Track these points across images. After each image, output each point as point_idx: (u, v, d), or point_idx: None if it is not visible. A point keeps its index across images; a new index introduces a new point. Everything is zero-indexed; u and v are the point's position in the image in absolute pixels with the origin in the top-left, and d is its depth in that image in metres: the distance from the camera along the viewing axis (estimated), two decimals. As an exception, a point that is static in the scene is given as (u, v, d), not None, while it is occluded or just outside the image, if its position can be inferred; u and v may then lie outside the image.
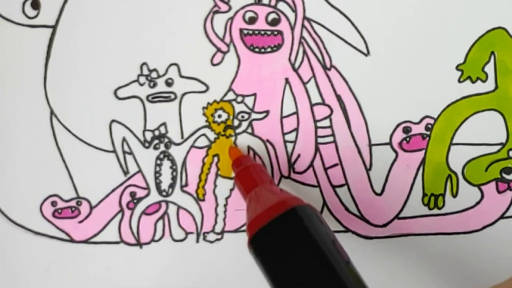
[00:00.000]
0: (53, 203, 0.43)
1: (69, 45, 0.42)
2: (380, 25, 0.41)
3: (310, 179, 0.42)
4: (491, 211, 0.42)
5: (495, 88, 0.41)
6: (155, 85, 0.42)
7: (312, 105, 0.42)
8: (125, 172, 0.43)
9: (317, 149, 0.42)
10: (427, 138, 0.42)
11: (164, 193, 0.43)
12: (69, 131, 0.42)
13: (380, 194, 0.42)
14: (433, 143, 0.42)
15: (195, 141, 0.42)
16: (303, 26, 0.41)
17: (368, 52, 0.41)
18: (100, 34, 0.42)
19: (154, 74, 0.42)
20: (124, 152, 0.42)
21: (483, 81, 0.41)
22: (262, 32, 0.41)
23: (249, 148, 0.42)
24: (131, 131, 0.42)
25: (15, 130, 0.42)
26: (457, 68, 0.41)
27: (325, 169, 0.42)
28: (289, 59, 0.42)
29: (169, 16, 0.41)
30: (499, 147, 0.42)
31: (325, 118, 0.42)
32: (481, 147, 0.42)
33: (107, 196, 0.43)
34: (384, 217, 0.42)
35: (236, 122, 0.42)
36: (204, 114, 0.42)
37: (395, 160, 0.42)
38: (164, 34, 0.41)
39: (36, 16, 0.42)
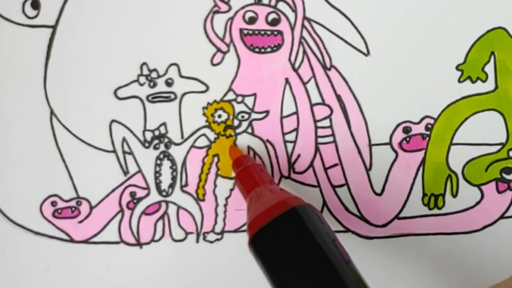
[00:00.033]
0: (53, 203, 0.43)
1: (69, 45, 0.42)
2: (380, 25, 0.41)
3: (310, 179, 0.42)
4: (491, 211, 0.42)
5: (495, 88, 0.41)
6: (155, 85, 0.42)
7: (312, 105, 0.42)
8: (125, 172, 0.43)
9: (317, 149, 0.42)
10: (427, 138, 0.42)
11: (164, 193, 0.43)
12: (69, 131, 0.42)
13: (380, 194, 0.42)
14: (433, 143, 0.42)
15: (195, 141, 0.42)
16: (303, 26, 0.41)
17: (368, 52, 0.41)
18: (100, 34, 0.42)
19: (154, 74, 0.42)
20: (124, 152, 0.42)
21: (483, 81, 0.41)
22: (262, 32, 0.41)
23: (249, 148, 0.42)
24: (131, 131, 0.42)
25: (15, 130, 0.42)
26: (457, 68, 0.41)
27: (325, 169, 0.42)
28: (289, 59, 0.42)
29: (169, 16, 0.41)
30: (499, 147, 0.42)
31: (325, 118, 0.42)
32: (481, 147, 0.42)
33: (107, 196, 0.43)
34: (384, 217, 0.42)
35: (236, 122, 0.42)
36: (204, 114, 0.42)
37: (395, 160, 0.42)
38: (164, 34, 0.41)
39: (36, 16, 0.42)
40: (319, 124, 0.42)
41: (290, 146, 0.42)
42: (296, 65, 0.42)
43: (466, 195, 0.42)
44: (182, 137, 0.42)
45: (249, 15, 0.41)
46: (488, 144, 0.42)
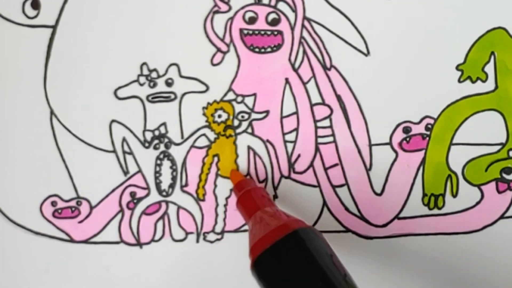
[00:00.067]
0: (53, 203, 0.43)
1: (69, 45, 0.42)
2: (380, 25, 0.41)
3: (310, 179, 0.42)
4: (491, 211, 0.42)
5: (495, 88, 0.41)
6: (155, 85, 0.42)
7: (312, 105, 0.42)
8: (125, 172, 0.43)
9: (317, 149, 0.42)
10: (427, 138, 0.42)
11: (164, 193, 0.43)
12: (69, 131, 0.42)
13: (380, 194, 0.42)
14: (433, 143, 0.42)
15: (195, 141, 0.42)
16: (303, 26, 0.41)
17: (368, 52, 0.41)
18: (100, 34, 0.42)
19: (154, 74, 0.42)
20: (124, 152, 0.42)
21: (483, 81, 0.41)
22: (262, 32, 0.41)
23: (249, 148, 0.42)
24: (131, 131, 0.42)
25: (15, 130, 0.42)
26: (457, 68, 0.41)
27: (325, 169, 0.42)
28: (289, 59, 0.42)
29: (169, 16, 0.41)
30: (499, 147, 0.42)
31: (325, 118, 0.42)
32: (481, 147, 0.42)
33: (107, 196, 0.43)
34: (384, 217, 0.42)
35: (236, 122, 0.42)
36: (204, 114, 0.42)
37: (395, 160, 0.42)
38: (164, 34, 0.41)
39: (36, 16, 0.42)
40: (319, 124, 0.42)
41: (290, 146, 0.42)
42: (296, 65, 0.42)
43: (466, 195, 0.42)
44: (182, 137, 0.42)
45: (249, 15, 0.41)
46: (488, 144, 0.42)
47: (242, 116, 0.42)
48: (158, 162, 0.42)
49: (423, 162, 0.42)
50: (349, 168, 0.42)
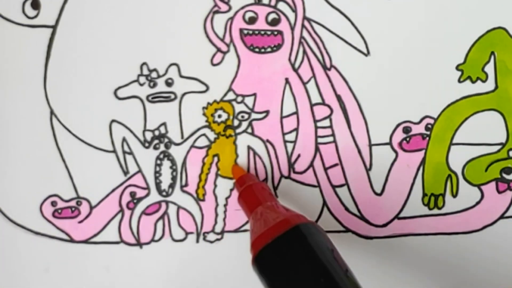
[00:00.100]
0: (53, 203, 0.43)
1: (69, 45, 0.42)
2: (380, 25, 0.41)
3: (310, 179, 0.42)
4: (491, 211, 0.42)
5: (495, 88, 0.41)
6: (155, 85, 0.42)
7: (312, 105, 0.42)
8: (125, 172, 0.43)
9: (317, 149, 0.42)
10: (427, 138, 0.42)
11: (164, 193, 0.43)
12: (69, 131, 0.42)
13: (380, 194, 0.42)
14: (433, 143, 0.42)
15: (195, 141, 0.42)
16: (303, 26, 0.41)
17: (368, 52, 0.41)
18: (100, 34, 0.42)
19: (154, 74, 0.42)
20: (124, 152, 0.42)
21: (483, 81, 0.41)
22: (262, 32, 0.41)
23: (249, 148, 0.42)
24: (131, 131, 0.42)
25: (15, 130, 0.42)
26: (457, 68, 0.41)
27: (325, 169, 0.42)
28: (289, 59, 0.42)
29: (169, 16, 0.41)
30: (499, 147, 0.42)
31: (325, 118, 0.42)
32: (481, 147, 0.42)
33: (107, 196, 0.43)
34: (384, 217, 0.42)
35: (236, 122, 0.42)
36: (204, 114, 0.42)
37: (395, 160, 0.42)
38: (164, 34, 0.41)
39: (36, 16, 0.42)
40: (319, 124, 0.42)
41: (290, 146, 0.42)
42: (296, 65, 0.42)
43: (466, 195, 0.42)
44: (182, 137, 0.42)
45: (249, 15, 0.41)
46: (488, 144, 0.42)
47: (242, 116, 0.42)
48: (158, 162, 0.42)
49: (423, 162, 0.42)
50: (349, 168, 0.42)
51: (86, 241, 0.43)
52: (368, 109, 0.42)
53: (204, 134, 0.42)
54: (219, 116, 0.42)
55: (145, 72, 0.42)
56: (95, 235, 0.43)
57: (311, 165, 0.42)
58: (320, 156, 0.42)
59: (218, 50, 0.42)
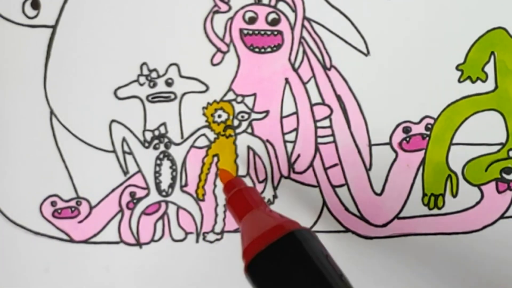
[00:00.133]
0: (53, 203, 0.43)
1: (69, 45, 0.42)
2: (380, 25, 0.41)
3: (310, 179, 0.42)
4: (491, 211, 0.42)
5: (495, 88, 0.41)
6: (155, 85, 0.42)
7: (312, 105, 0.42)
8: (125, 172, 0.43)
9: (317, 149, 0.42)
10: (427, 138, 0.42)
11: (164, 193, 0.43)
12: (69, 131, 0.42)
13: (380, 194, 0.42)
14: (433, 143, 0.42)
15: (195, 141, 0.42)
16: (303, 26, 0.41)
17: (368, 52, 0.41)
18: (100, 34, 0.42)
19: (154, 74, 0.42)
20: (124, 152, 0.42)
21: (483, 81, 0.41)
22: (262, 32, 0.41)
23: (249, 148, 0.42)
24: (131, 131, 0.42)
25: (15, 130, 0.42)
26: (457, 68, 0.41)
27: (325, 169, 0.42)
28: (289, 59, 0.42)
29: (169, 16, 0.41)
30: (499, 147, 0.42)
31: (325, 118, 0.42)
32: (481, 147, 0.42)
33: (106, 196, 0.43)
34: (384, 217, 0.42)
35: (236, 122, 0.42)
36: (204, 114, 0.42)
37: (395, 160, 0.42)
38: (164, 34, 0.42)
39: (36, 16, 0.42)
40: (319, 124, 0.42)
41: (290, 146, 0.42)
42: (296, 65, 0.42)
43: (466, 195, 0.42)
44: (182, 137, 0.42)
45: (249, 15, 0.41)
46: (488, 144, 0.42)
47: (242, 116, 0.42)
48: (158, 162, 0.42)
49: (423, 162, 0.42)
50: (349, 168, 0.42)
51: (86, 241, 0.43)
52: (368, 109, 0.42)
53: (204, 134, 0.42)
54: (219, 116, 0.42)
55: (145, 72, 0.42)
56: (95, 235, 0.43)
57: (311, 165, 0.42)
58: (320, 156, 0.42)
59: (218, 50, 0.42)
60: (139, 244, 0.43)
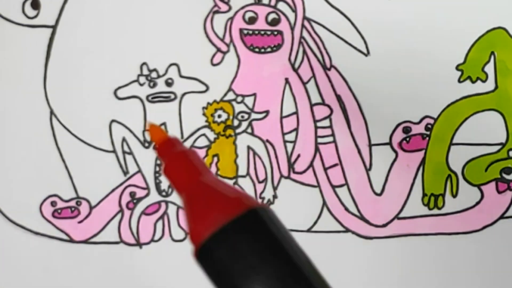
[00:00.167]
0: (53, 203, 0.43)
1: (69, 45, 0.42)
2: (380, 25, 0.41)
3: (310, 179, 0.42)
4: (491, 211, 0.42)
5: (495, 88, 0.41)
6: (155, 85, 0.42)
7: (312, 105, 0.42)
8: (125, 172, 0.43)
9: (317, 149, 0.42)
10: (427, 138, 0.42)
11: (163, 193, 0.43)
12: (69, 131, 0.42)
13: (380, 194, 0.42)
14: (433, 143, 0.42)
15: (195, 141, 0.42)
16: (303, 26, 0.41)
17: (368, 52, 0.41)
18: (100, 34, 0.42)
19: (154, 74, 0.42)
20: (124, 152, 0.42)
21: (483, 81, 0.41)
22: (262, 32, 0.41)
23: (249, 148, 0.42)
24: (131, 131, 0.42)
25: (15, 130, 0.42)
26: (457, 68, 0.41)
27: (325, 169, 0.42)
28: (289, 59, 0.42)
29: (169, 16, 0.41)
30: (499, 147, 0.42)
31: (325, 118, 0.42)
32: (481, 147, 0.42)
33: (106, 196, 0.43)
34: (384, 217, 0.42)
35: (236, 122, 0.42)
36: (204, 114, 0.42)
37: (395, 160, 0.42)
38: (164, 34, 0.41)
39: (36, 16, 0.42)
40: (319, 124, 0.42)
41: (290, 146, 0.42)
42: (296, 65, 0.42)
43: (466, 195, 0.42)
44: (182, 137, 0.42)
45: (249, 15, 0.41)
46: (488, 144, 0.42)
47: (242, 116, 0.42)
48: (158, 162, 0.42)
49: (423, 162, 0.42)
50: (349, 168, 0.42)
51: (86, 241, 0.43)
52: (368, 109, 0.42)
53: (204, 134, 0.42)
54: (219, 116, 0.42)
55: (145, 72, 0.42)
56: (94, 235, 0.43)
57: (311, 165, 0.42)
58: (320, 156, 0.42)
59: (218, 50, 0.42)
60: (139, 244, 0.43)
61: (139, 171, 0.42)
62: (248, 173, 0.42)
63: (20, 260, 0.43)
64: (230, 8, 0.41)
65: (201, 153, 0.42)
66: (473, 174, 0.42)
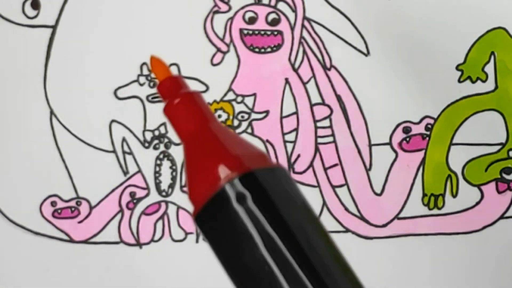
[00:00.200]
0: (53, 203, 0.43)
1: (69, 45, 0.42)
2: (380, 25, 0.41)
3: (310, 179, 0.42)
4: (491, 211, 0.42)
5: (495, 88, 0.41)
6: (155, 85, 0.42)
7: (312, 105, 0.42)
8: (125, 172, 0.43)
9: (317, 149, 0.42)
10: (427, 138, 0.42)
11: (163, 193, 0.43)
12: (69, 131, 0.42)
13: (380, 194, 0.42)
14: (433, 143, 0.42)
15: (195, 141, 0.42)
16: (303, 26, 0.41)
17: (368, 52, 0.41)
18: (100, 34, 0.42)
19: (154, 74, 0.42)
20: (124, 152, 0.42)
21: (483, 81, 0.41)
22: (262, 32, 0.41)
23: (249, 148, 0.42)
24: (131, 131, 0.42)
25: (15, 130, 0.42)
26: (457, 68, 0.41)
27: (325, 169, 0.42)
28: (289, 59, 0.42)
29: (169, 16, 0.41)
30: (499, 147, 0.42)
31: (325, 118, 0.42)
32: (481, 147, 0.42)
33: (106, 196, 0.43)
34: (384, 217, 0.42)
35: (236, 122, 0.42)
36: (204, 114, 0.42)
37: (395, 160, 0.42)
38: (164, 34, 0.41)
39: (36, 16, 0.42)
40: (319, 124, 0.42)
41: (290, 146, 0.42)
42: (296, 65, 0.42)
43: (466, 195, 0.42)
44: (182, 137, 0.42)
45: (249, 15, 0.41)
46: (488, 144, 0.42)
47: (242, 116, 0.42)
48: (158, 162, 0.42)
49: (423, 162, 0.42)
50: (349, 168, 0.42)
51: (86, 241, 0.43)
52: (368, 109, 0.42)
53: (204, 134, 0.42)
54: (219, 116, 0.42)
55: (145, 72, 0.42)
56: (94, 235, 0.43)
57: (311, 165, 0.42)
58: (320, 156, 0.42)
59: (218, 50, 0.42)
60: (139, 244, 0.43)
61: (139, 171, 0.42)
62: (248, 173, 0.42)
63: (20, 260, 0.43)
64: (230, 8, 0.41)
65: (201, 153, 0.42)
66: (473, 174, 0.42)
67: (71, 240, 0.43)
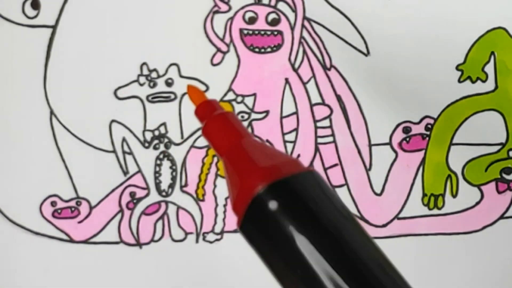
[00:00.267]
0: (53, 203, 0.43)
1: (69, 45, 0.42)
2: (380, 25, 0.41)
3: (310, 179, 0.42)
4: (491, 211, 0.42)
5: (495, 88, 0.41)
6: (155, 85, 0.42)
7: (312, 105, 0.42)
8: (125, 172, 0.43)
9: (317, 149, 0.42)
10: (427, 138, 0.42)
11: (163, 193, 0.43)
12: (69, 131, 0.42)
13: (380, 194, 0.42)
14: (433, 143, 0.42)
15: (195, 141, 0.42)
16: (303, 26, 0.41)
17: (368, 52, 0.41)
18: (100, 34, 0.42)
19: (154, 74, 0.42)
20: (124, 152, 0.42)
21: (483, 81, 0.41)
22: (262, 32, 0.41)
23: (249, 148, 0.42)
24: (131, 131, 0.42)
25: (15, 130, 0.42)
26: (457, 68, 0.41)
27: (325, 169, 0.42)
28: (289, 59, 0.42)
29: (169, 16, 0.41)
30: (499, 147, 0.42)
31: (325, 118, 0.42)
32: (481, 147, 0.42)
33: (106, 196, 0.43)
34: (384, 217, 0.42)
35: (236, 122, 0.42)
36: (204, 114, 0.42)
37: (395, 160, 0.42)
38: (164, 34, 0.41)
39: (36, 16, 0.42)
40: (319, 124, 0.42)
41: (290, 146, 0.42)
42: (296, 65, 0.42)
43: (466, 195, 0.42)
44: (182, 137, 0.42)
45: (249, 15, 0.41)
46: (488, 144, 0.42)
47: (242, 116, 0.42)
48: (158, 162, 0.42)
49: (423, 162, 0.42)
50: (349, 168, 0.42)
51: (85, 241, 0.43)
52: (368, 109, 0.42)
53: (204, 134, 0.42)
54: (219, 116, 0.42)
55: (145, 72, 0.42)
56: (94, 235, 0.43)
57: (311, 165, 0.42)
58: (320, 156, 0.42)
59: (218, 50, 0.42)
60: (139, 244, 0.43)
61: (139, 171, 0.42)
62: (248, 173, 0.42)
63: (20, 260, 0.43)
64: (230, 8, 0.41)
65: (201, 153, 0.42)
66: (473, 174, 0.42)
67: (71, 240, 0.43)
